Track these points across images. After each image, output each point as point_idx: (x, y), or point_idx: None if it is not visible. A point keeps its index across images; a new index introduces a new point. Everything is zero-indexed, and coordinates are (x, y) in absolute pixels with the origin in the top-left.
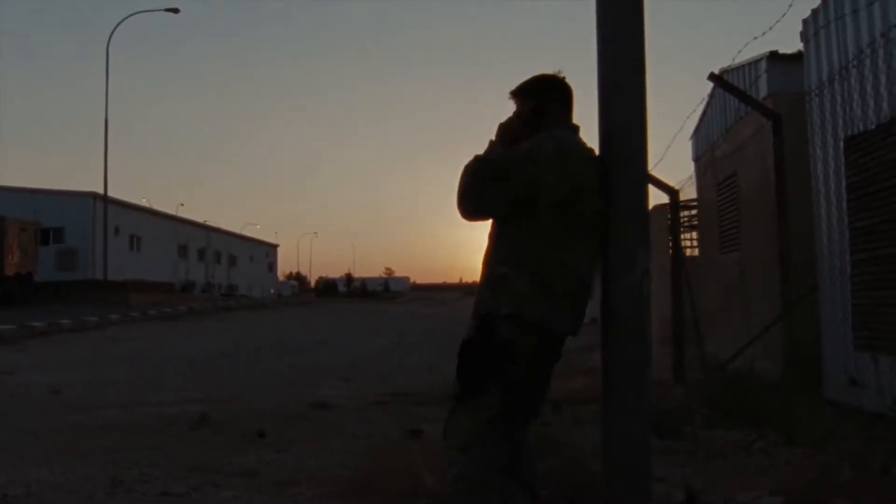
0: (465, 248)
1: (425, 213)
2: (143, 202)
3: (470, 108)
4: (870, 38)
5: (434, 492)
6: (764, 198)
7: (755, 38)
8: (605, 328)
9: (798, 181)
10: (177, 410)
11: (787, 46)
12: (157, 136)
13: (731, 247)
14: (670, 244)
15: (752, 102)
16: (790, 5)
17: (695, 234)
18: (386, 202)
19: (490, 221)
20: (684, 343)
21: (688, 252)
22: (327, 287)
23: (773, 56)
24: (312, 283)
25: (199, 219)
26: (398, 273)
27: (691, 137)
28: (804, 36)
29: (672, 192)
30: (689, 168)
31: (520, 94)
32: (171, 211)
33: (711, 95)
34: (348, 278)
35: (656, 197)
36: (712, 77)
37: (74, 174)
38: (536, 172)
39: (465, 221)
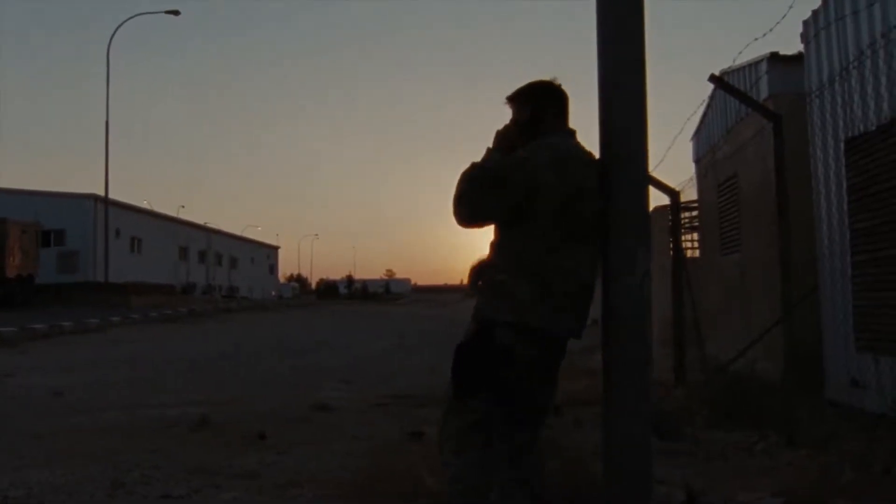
0: (466, 250)
1: (426, 215)
2: (144, 204)
3: (470, 108)
4: (870, 39)
5: (434, 493)
6: (764, 199)
7: (756, 39)
8: (606, 329)
9: (799, 182)
10: (178, 412)
11: (788, 48)
12: (158, 137)
13: (732, 248)
14: (671, 245)
15: (753, 104)
16: (790, 6)
17: (695, 236)
18: (386, 203)
19: (492, 229)
20: (685, 344)
21: (688, 253)
22: (328, 289)
23: (774, 57)
24: (313, 285)
25: (199, 221)
26: (399, 275)
27: (692, 139)
28: (804, 37)
29: (673, 193)
30: (690, 169)
31: (516, 100)
32: (171, 213)
33: (712, 97)
34: (349, 280)
35: (657, 198)
36: (713, 78)
37: (75, 176)
38: (533, 179)
39: None
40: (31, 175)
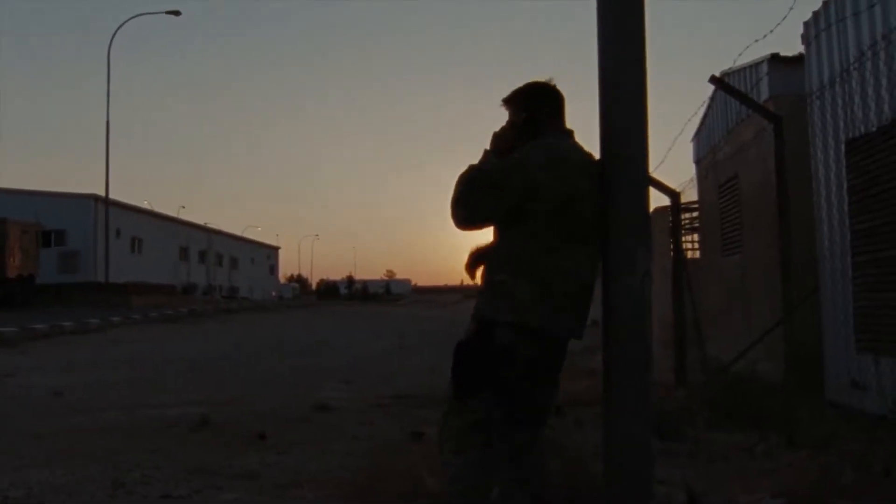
0: (466, 251)
1: (426, 215)
2: (145, 204)
3: (471, 108)
4: (871, 41)
5: (434, 493)
6: (765, 200)
7: (756, 40)
8: (606, 329)
9: (799, 183)
10: (178, 412)
11: (789, 49)
12: (159, 138)
13: (733, 249)
14: (672, 246)
15: (754, 105)
16: (791, 8)
17: (696, 237)
18: (386, 204)
19: (492, 230)
20: (686, 345)
21: (689, 254)
22: (328, 289)
23: (775, 58)
24: (314, 286)
25: (200, 221)
26: (399, 275)
27: (692, 140)
28: (805, 38)
29: (673, 194)
30: (691, 170)
31: (512, 101)
32: (172, 213)
33: (712, 98)
34: (349, 280)
35: (657, 199)
36: (713, 80)
37: (76, 176)
38: (530, 181)
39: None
40: (31, 175)
